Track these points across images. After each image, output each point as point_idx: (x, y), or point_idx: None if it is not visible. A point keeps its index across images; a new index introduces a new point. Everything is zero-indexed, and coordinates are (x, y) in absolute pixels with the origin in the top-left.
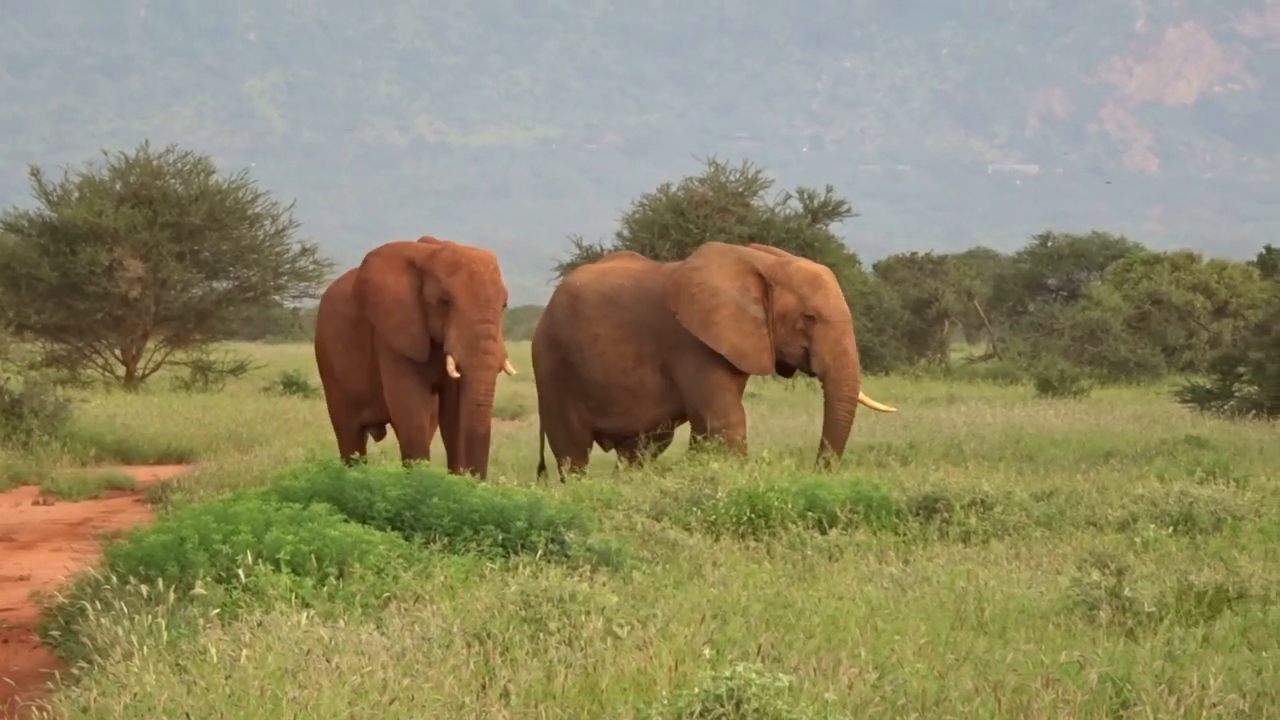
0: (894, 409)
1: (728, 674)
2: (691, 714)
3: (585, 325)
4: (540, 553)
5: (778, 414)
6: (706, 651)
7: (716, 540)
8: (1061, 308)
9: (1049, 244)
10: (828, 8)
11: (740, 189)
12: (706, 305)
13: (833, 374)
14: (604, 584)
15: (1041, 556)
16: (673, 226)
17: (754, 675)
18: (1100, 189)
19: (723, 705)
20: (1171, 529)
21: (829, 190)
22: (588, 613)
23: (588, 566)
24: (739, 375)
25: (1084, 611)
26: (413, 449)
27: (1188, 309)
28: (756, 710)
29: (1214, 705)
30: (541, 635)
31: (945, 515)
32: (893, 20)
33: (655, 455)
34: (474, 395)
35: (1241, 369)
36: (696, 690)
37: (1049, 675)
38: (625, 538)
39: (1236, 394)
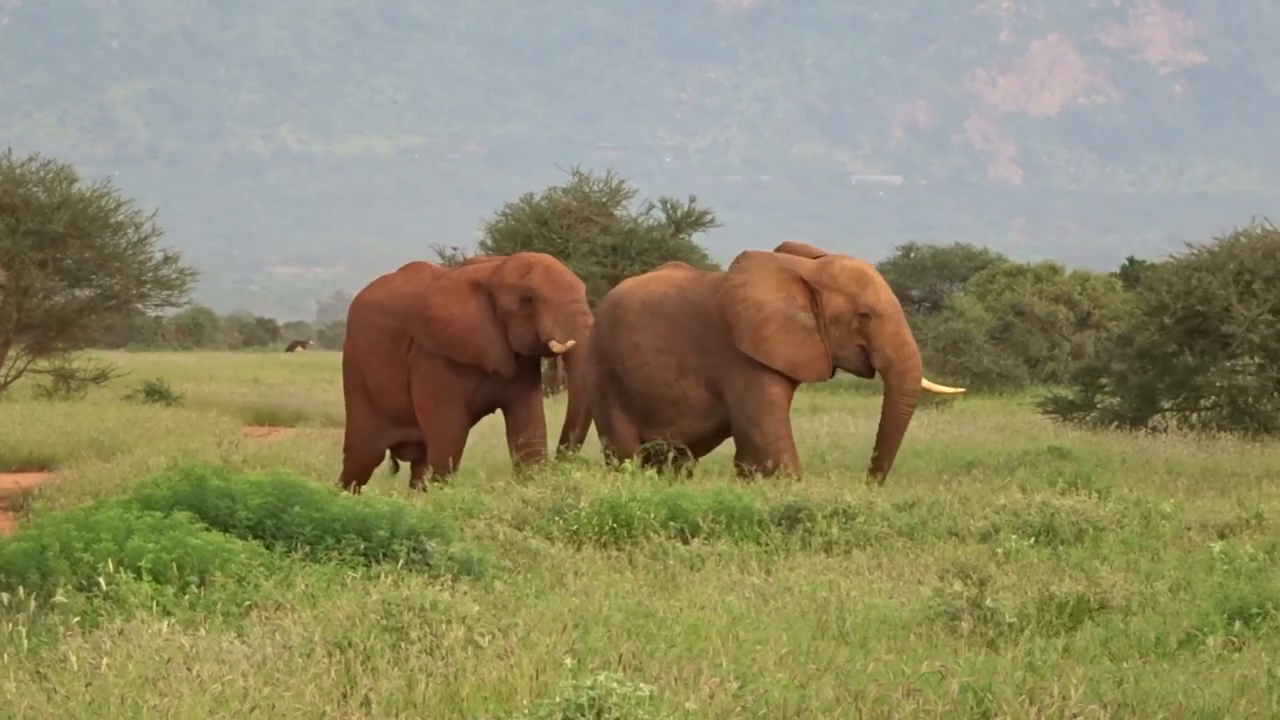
0: (962, 390)
1: (589, 683)
2: None
3: (627, 334)
4: (402, 562)
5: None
6: (568, 661)
7: (579, 549)
8: (924, 319)
9: (912, 255)
10: (691, 18)
11: (604, 199)
12: (754, 320)
13: (897, 367)
14: (465, 593)
15: (903, 567)
16: (536, 236)
17: (615, 685)
18: (964, 200)
19: (584, 714)
20: (1033, 540)
21: (692, 200)
22: (449, 622)
23: (449, 575)
24: (789, 391)
25: (945, 622)
26: (441, 471)
27: (1050, 320)
28: (617, 719)
29: (1075, 716)
30: (403, 644)
31: (807, 525)
32: (756, 31)
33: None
34: (580, 378)
35: (1104, 380)
36: (558, 699)
37: (910, 685)
38: (487, 547)
39: (1099, 405)
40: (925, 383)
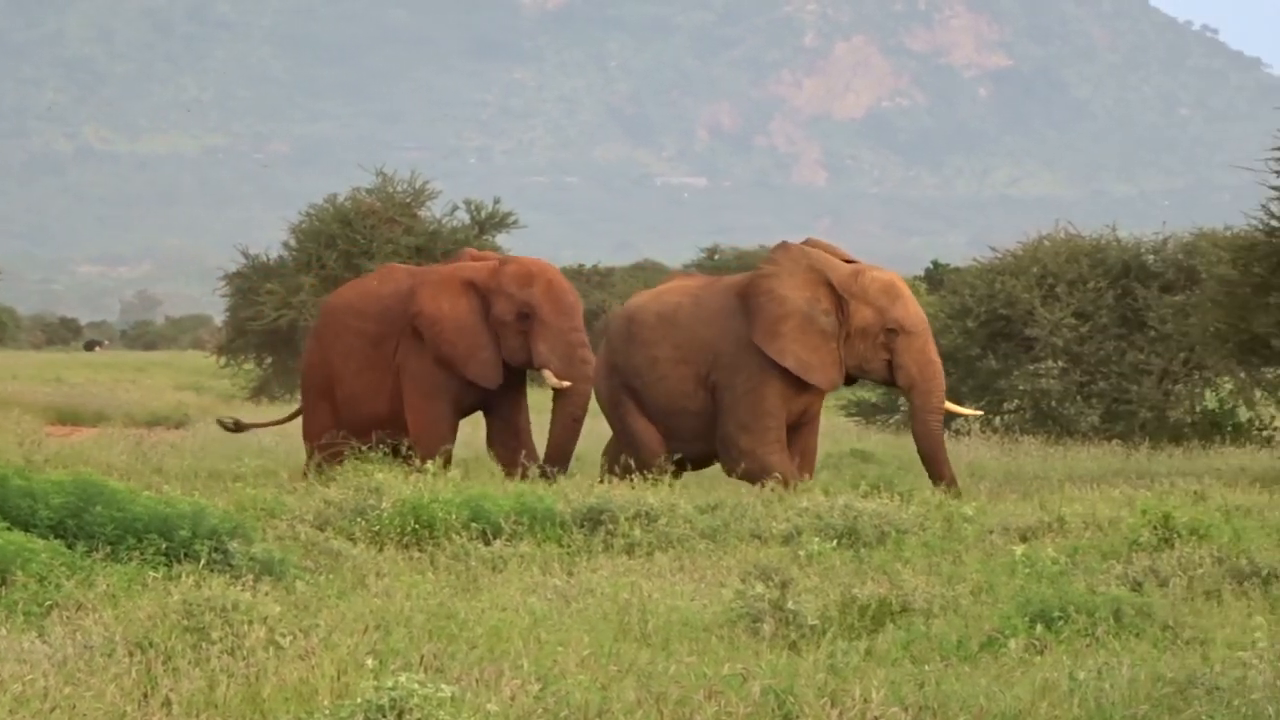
0: (980, 411)
1: (390, 684)
2: None
3: (643, 349)
4: (203, 562)
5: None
6: (369, 662)
7: (381, 550)
8: None
9: (716, 256)
10: (496, 19)
11: (408, 199)
12: (773, 315)
13: (921, 386)
14: (267, 593)
15: (705, 569)
16: (339, 237)
17: (416, 686)
18: (768, 202)
19: (385, 715)
20: (836, 542)
21: (496, 201)
22: (250, 622)
23: (251, 576)
24: (786, 405)
25: (747, 624)
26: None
27: None
28: None
29: (876, 718)
30: (204, 644)
31: (610, 527)
32: (561, 32)
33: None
34: (572, 409)
35: None
36: (359, 700)
37: (712, 687)
38: (289, 547)
39: (902, 408)
40: (946, 403)
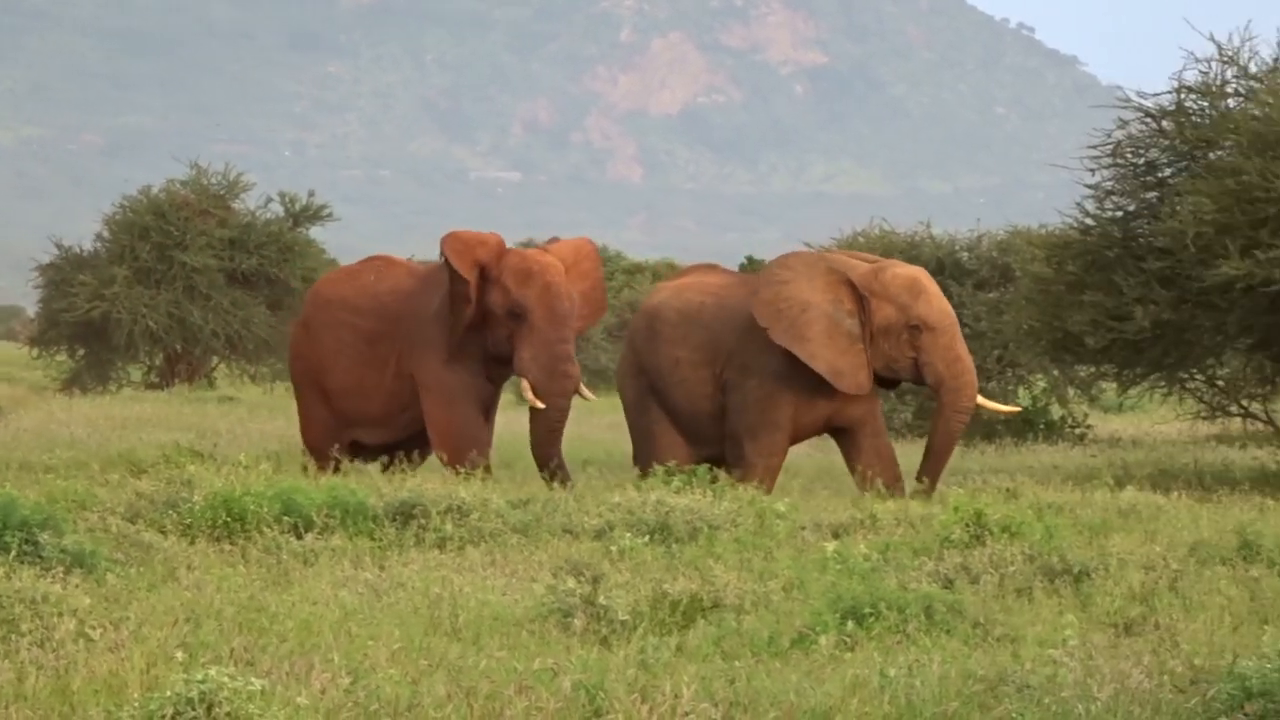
0: (1019, 408)
1: (199, 677)
2: (163, 717)
3: (666, 348)
4: (13, 554)
5: (256, 418)
6: (179, 655)
7: (192, 543)
8: None
9: None
10: (315, 12)
11: (221, 192)
12: (798, 320)
13: (949, 383)
14: (77, 586)
15: (517, 564)
16: (153, 229)
17: (226, 679)
18: (583, 197)
19: (194, 709)
20: (648, 538)
21: (311, 194)
22: (60, 614)
23: (61, 568)
24: (806, 411)
25: (558, 619)
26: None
27: None
28: (229, 714)
29: (686, 714)
30: (13, 636)
31: (422, 521)
32: (378, 26)
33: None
34: (549, 422)
35: None
36: (168, 693)
37: (522, 682)
38: (100, 540)
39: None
40: (981, 399)
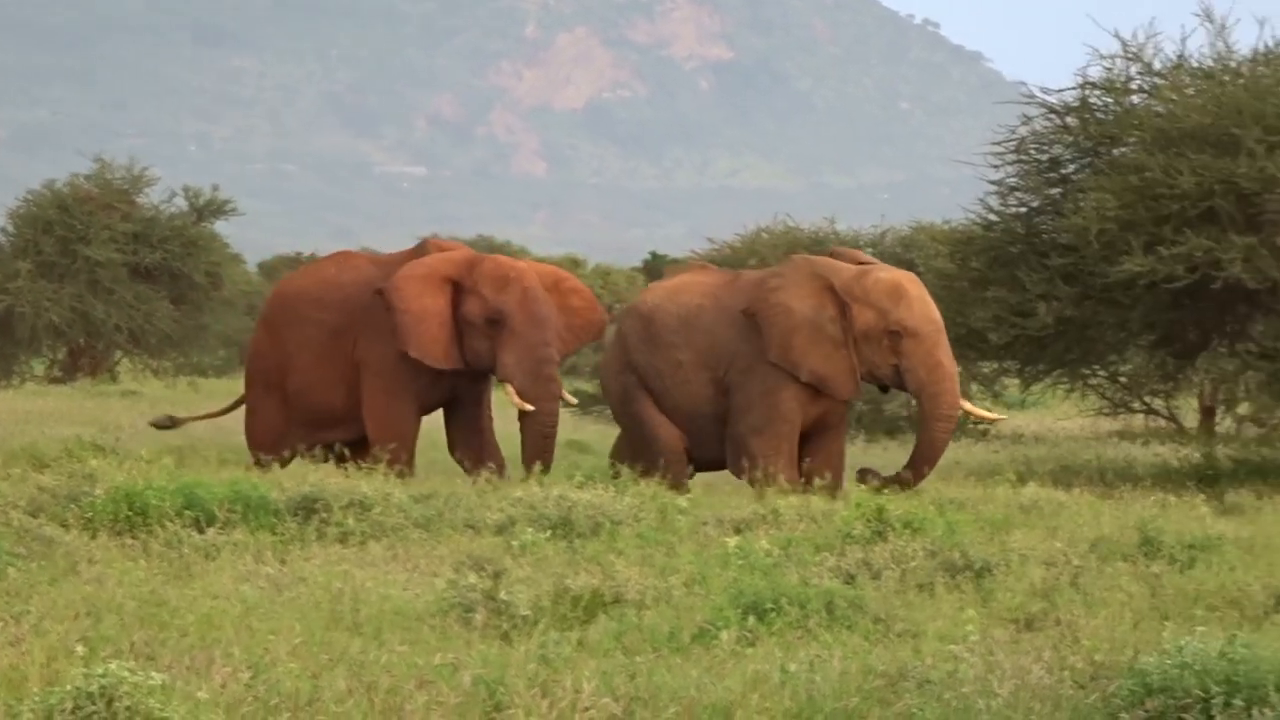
0: (1005, 415)
1: (100, 672)
2: (64, 711)
3: (666, 351)
4: None
5: (159, 412)
6: (79, 649)
7: (94, 537)
8: None
9: None
10: (220, 6)
11: (125, 186)
12: (784, 327)
13: (929, 390)
14: None
15: (419, 558)
16: (57, 223)
17: (126, 673)
18: (487, 192)
19: (94, 703)
20: (549, 533)
21: (215, 189)
22: None
23: None
24: (802, 411)
25: (460, 614)
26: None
27: None
28: (128, 708)
29: (587, 709)
30: None
31: (324, 516)
32: (285, 20)
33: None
34: (541, 428)
35: None
36: (68, 688)
37: (423, 677)
38: (1, 534)
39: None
40: (965, 404)
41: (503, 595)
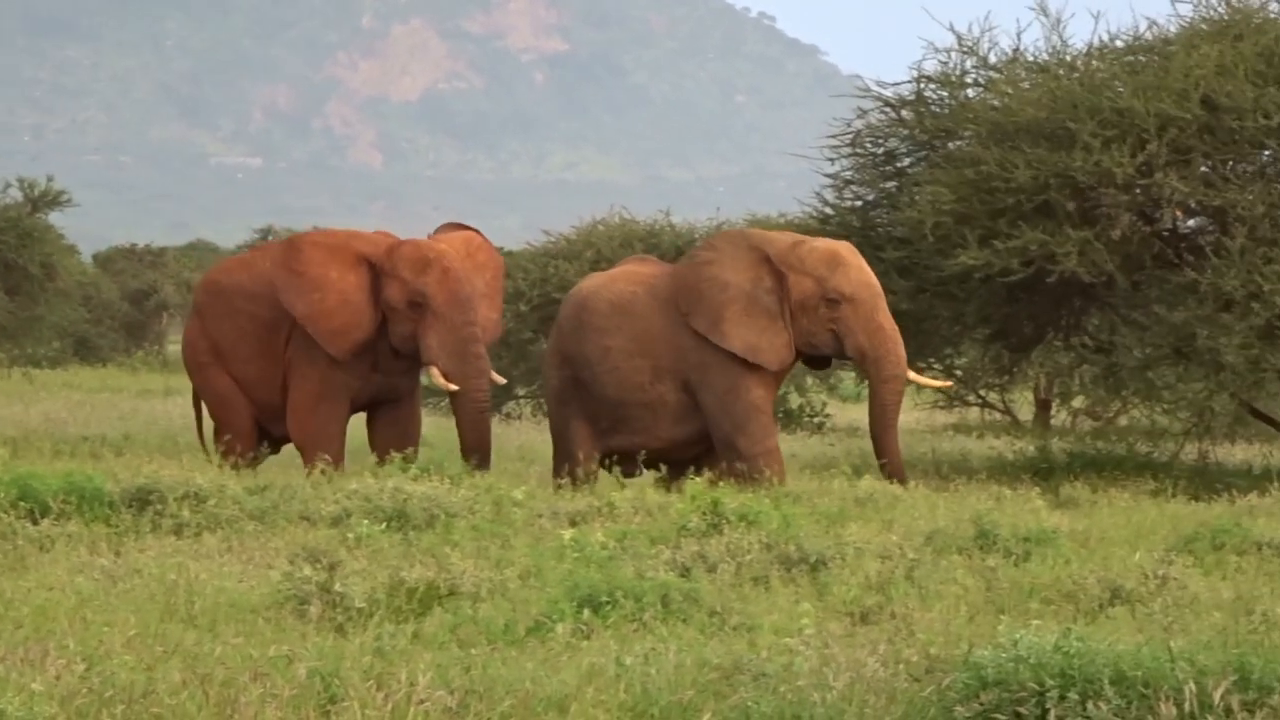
0: (949, 384)
1: None
2: None
3: (595, 337)
4: None
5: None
6: None
7: None
8: None
9: (270, 238)
10: None
11: None
12: (716, 301)
13: (871, 354)
14: None
15: (254, 550)
16: None
17: None
18: (323, 183)
19: None
20: (385, 525)
21: (50, 180)
22: None
23: None
24: (771, 391)
25: (295, 606)
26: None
27: None
28: None
29: (422, 702)
30: None
31: (158, 507)
32: (119, 10)
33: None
34: (474, 405)
35: None
36: None
37: (258, 669)
38: None
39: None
40: (911, 374)
41: (338, 587)
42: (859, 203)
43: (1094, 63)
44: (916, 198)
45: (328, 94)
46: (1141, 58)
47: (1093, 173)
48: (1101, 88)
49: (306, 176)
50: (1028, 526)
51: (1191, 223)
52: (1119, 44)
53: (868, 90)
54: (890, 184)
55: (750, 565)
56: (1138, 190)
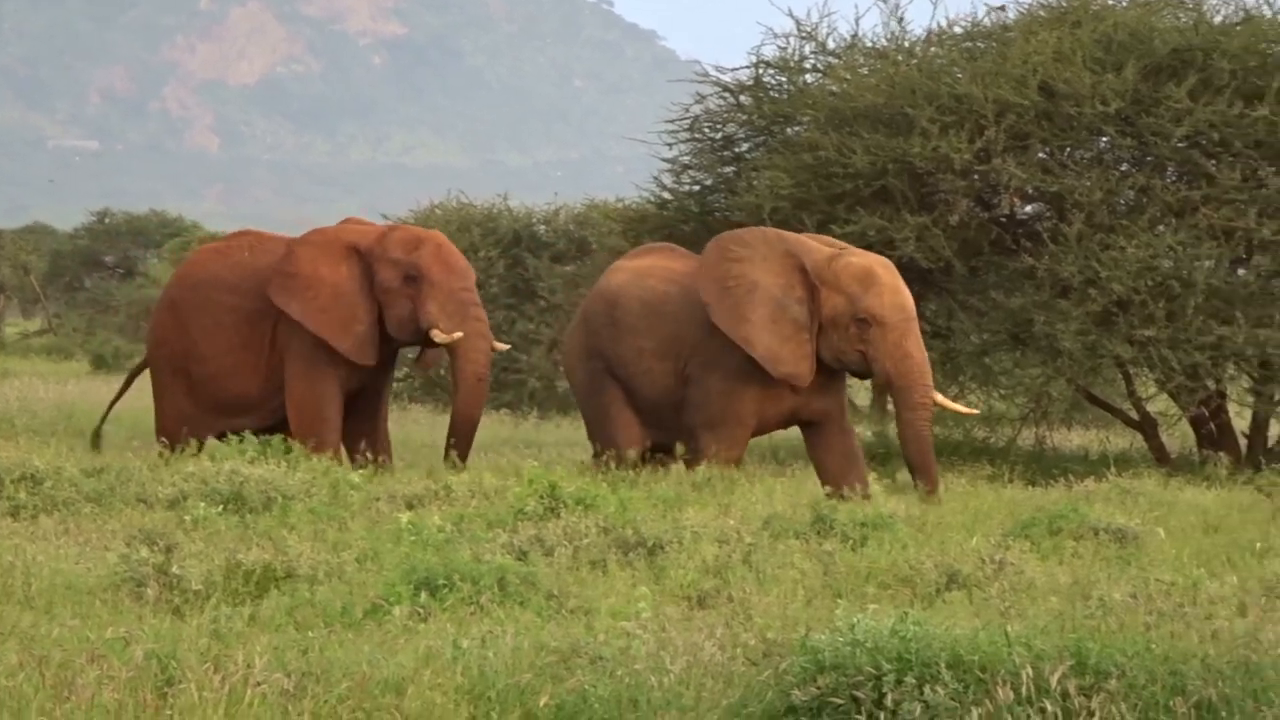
0: (975, 410)
1: None
2: None
3: (630, 338)
4: None
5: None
6: None
7: None
8: (118, 285)
9: (107, 221)
10: None
11: None
12: (742, 300)
13: (896, 382)
14: None
15: (91, 532)
16: None
17: None
18: (161, 167)
19: None
20: (222, 507)
21: None
22: None
23: None
24: (769, 406)
25: (131, 588)
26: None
27: None
28: None
29: (259, 684)
30: None
31: None
32: None
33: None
34: (474, 368)
35: None
36: None
37: (94, 651)
38: None
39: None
40: (939, 398)
41: (175, 570)
42: (697, 188)
43: (932, 49)
44: (755, 183)
45: (165, 77)
46: (980, 44)
47: (930, 158)
48: (940, 74)
49: (144, 159)
50: (865, 511)
51: (1029, 209)
52: (957, 30)
53: (706, 76)
54: (728, 169)
55: (587, 549)
56: (975, 176)
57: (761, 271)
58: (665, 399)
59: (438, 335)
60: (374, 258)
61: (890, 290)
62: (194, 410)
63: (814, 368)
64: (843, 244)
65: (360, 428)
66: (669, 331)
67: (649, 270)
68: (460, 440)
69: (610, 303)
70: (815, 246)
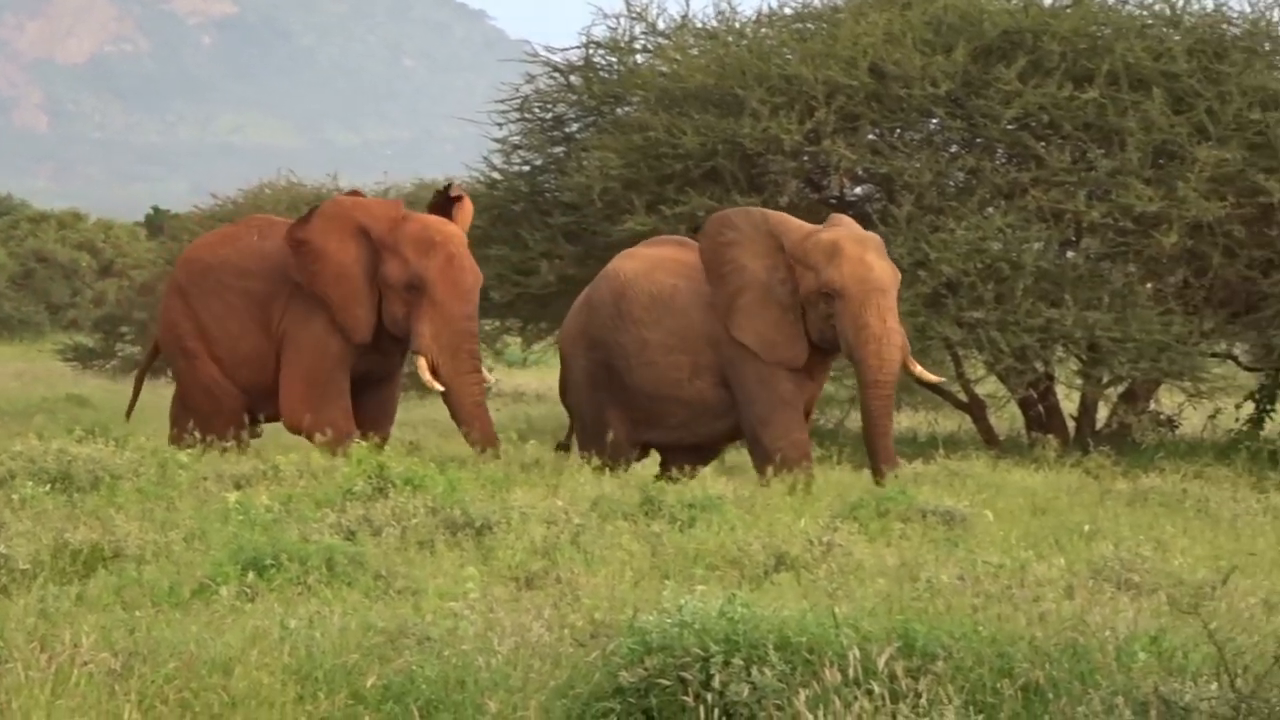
0: (941, 379)
1: None
2: None
3: (633, 329)
4: None
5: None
6: None
7: None
8: None
9: None
10: None
11: None
12: (733, 287)
13: (854, 355)
14: None
15: None
16: None
17: None
18: None
19: None
20: (49, 486)
21: None
22: None
23: None
24: (803, 384)
25: None
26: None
27: (73, 267)
28: None
29: (86, 664)
30: None
31: None
32: None
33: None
34: (470, 399)
35: (125, 328)
36: None
37: None
38: None
39: (120, 354)
40: (917, 368)
41: (1, 549)
42: (527, 168)
43: (763, 30)
44: (585, 163)
45: None
46: (810, 25)
47: (760, 139)
48: (770, 55)
49: None
50: (693, 493)
51: (859, 190)
52: (788, 11)
53: (536, 55)
54: (559, 149)
55: (416, 529)
56: (805, 157)
57: (749, 254)
58: (667, 393)
59: (423, 372)
60: (384, 246)
61: (852, 261)
62: (228, 396)
63: (806, 349)
64: (842, 218)
65: (369, 412)
66: (678, 324)
67: (657, 262)
68: (482, 440)
69: (617, 294)
70: (795, 225)
